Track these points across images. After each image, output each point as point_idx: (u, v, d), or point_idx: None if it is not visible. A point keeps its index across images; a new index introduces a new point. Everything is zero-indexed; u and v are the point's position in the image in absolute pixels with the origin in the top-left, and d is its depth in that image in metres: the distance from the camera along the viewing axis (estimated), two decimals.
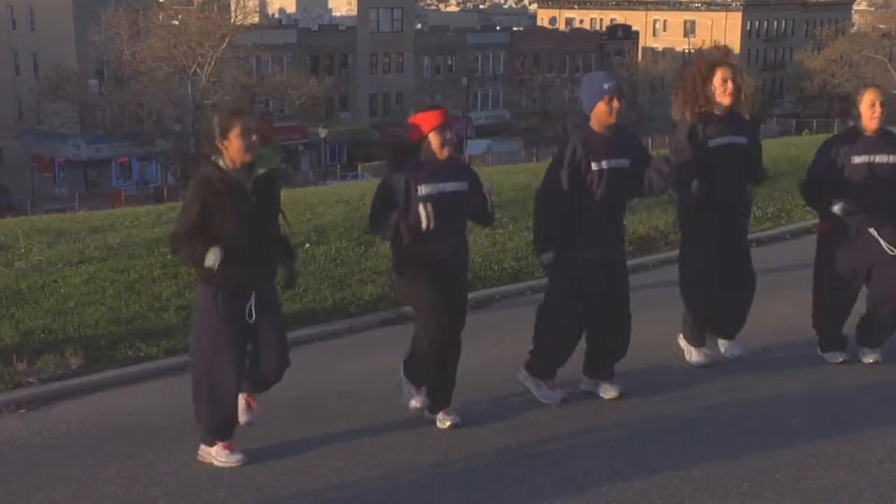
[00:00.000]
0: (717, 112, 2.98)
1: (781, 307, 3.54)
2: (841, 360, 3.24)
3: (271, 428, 2.75)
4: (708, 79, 2.96)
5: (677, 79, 3.13)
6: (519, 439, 2.69)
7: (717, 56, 3.03)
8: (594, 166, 2.73)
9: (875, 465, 2.53)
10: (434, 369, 2.69)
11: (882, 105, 3.05)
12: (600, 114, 2.75)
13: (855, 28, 37.60)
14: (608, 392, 2.93)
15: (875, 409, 2.91)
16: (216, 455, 2.56)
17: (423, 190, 2.57)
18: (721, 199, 3.01)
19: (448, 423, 2.73)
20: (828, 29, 35.20)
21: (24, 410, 2.96)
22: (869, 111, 3.06)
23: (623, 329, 2.88)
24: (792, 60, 37.28)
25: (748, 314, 3.19)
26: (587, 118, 2.78)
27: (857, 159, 3.05)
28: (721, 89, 2.95)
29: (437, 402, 2.75)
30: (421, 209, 2.55)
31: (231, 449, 2.55)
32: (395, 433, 2.73)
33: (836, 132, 3.24)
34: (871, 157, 3.05)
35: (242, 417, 2.60)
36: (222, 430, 2.54)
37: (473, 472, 2.50)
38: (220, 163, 2.42)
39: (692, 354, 3.22)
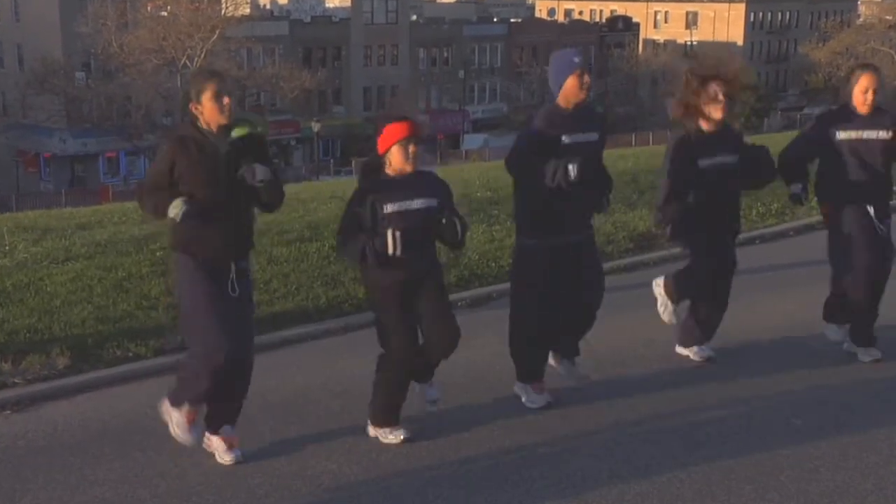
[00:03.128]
0: (707, 127, 2.96)
1: (785, 305, 3.54)
2: (869, 359, 3.18)
3: (263, 429, 2.70)
4: (699, 91, 2.93)
5: (674, 81, 3.11)
6: (516, 440, 2.65)
7: (709, 67, 2.98)
8: (565, 140, 2.68)
9: (881, 466, 2.50)
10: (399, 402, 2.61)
11: (875, 92, 3.02)
12: (570, 89, 2.71)
13: (861, 19, 37.13)
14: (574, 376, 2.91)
15: (880, 410, 2.88)
16: (176, 420, 2.48)
17: (388, 208, 2.49)
18: (711, 222, 2.99)
19: (401, 438, 2.65)
20: (833, 20, 35.03)
21: (9, 412, 2.90)
22: (861, 97, 3.03)
23: (592, 307, 2.84)
24: (796, 53, 36.97)
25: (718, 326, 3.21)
26: (558, 93, 2.73)
27: (845, 135, 3.03)
28: (713, 104, 2.92)
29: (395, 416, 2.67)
30: (389, 235, 2.46)
31: (192, 423, 2.47)
32: None
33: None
34: (860, 133, 3.03)
35: (227, 457, 2.53)
36: (199, 396, 2.45)
37: (470, 473, 2.46)
38: (198, 124, 2.38)
39: (694, 354, 3.22)
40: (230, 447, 2.54)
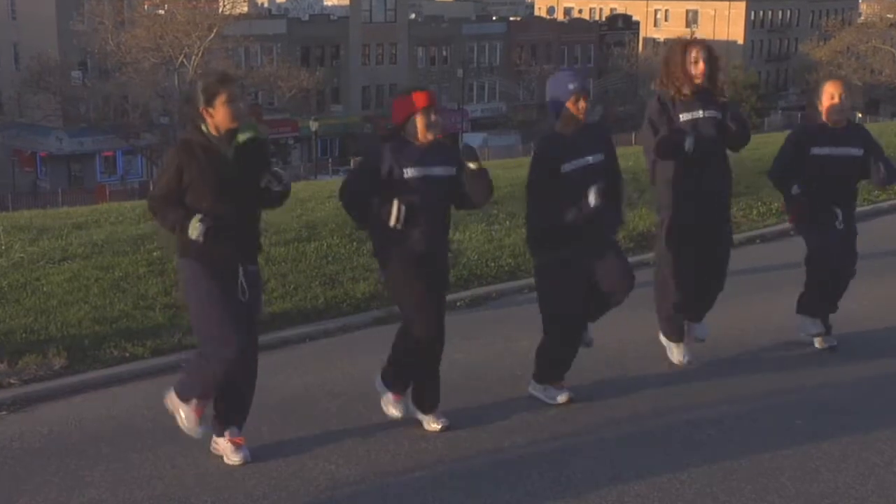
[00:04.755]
0: (687, 91, 2.98)
1: (785, 305, 3.48)
2: (815, 332, 3.27)
3: (261, 430, 2.68)
4: (682, 57, 2.98)
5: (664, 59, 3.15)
6: (516, 441, 2.63)
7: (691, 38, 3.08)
8: (564, 168, 2.71)
9: (882, 467, 2.49)
10: (418, 370, 2.61)
11: (842, 98, 3.05)
12: (567, 116, 2.76)
13: (862, 18, 37.29)
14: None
15: (882, 410, 2.87)
16: (185, 414, 2.47)
17: (409, 172, 2.47)
18: (702, 188, 2.97)
19: (438, 427, 2.66)
20: (834, 19, 35.16)
21: (4, 412, 2.89)
22: (829, 103, 3.07)
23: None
24: (797, 51, 36.99)
25: (715, 300, 3.19)
26: (556, 118, 2.77)
27: (818, 151, 3.07)
28: (693, 68, 2.96)
29: (428, 402, 2.68)
30: (394, 206, 2.44)
31: (199, 417, 2.46)
32: (389, 435, 2.67)
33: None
34: (834, 150, 3.08)
35: (235, 458, 2.51)
36: (208, 391, 2.44)
37: (469, 474, 2.45)
38: (203, 128, 2.36)
39: (673, 352, 3.21)
40: (237, 448, 2.52)
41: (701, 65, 2.93)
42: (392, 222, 2.45)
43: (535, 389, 2.90)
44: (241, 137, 2.38)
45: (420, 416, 2.69)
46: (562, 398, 2.85)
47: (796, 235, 3.37)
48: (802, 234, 3.25)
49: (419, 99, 2.50)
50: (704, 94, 2.97)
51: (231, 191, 2.35)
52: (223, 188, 2.34)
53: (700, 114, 2.96)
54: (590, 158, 2.76)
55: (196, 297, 2.40)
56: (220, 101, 2.33)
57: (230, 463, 2.50)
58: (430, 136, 2.51)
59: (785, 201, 3.28)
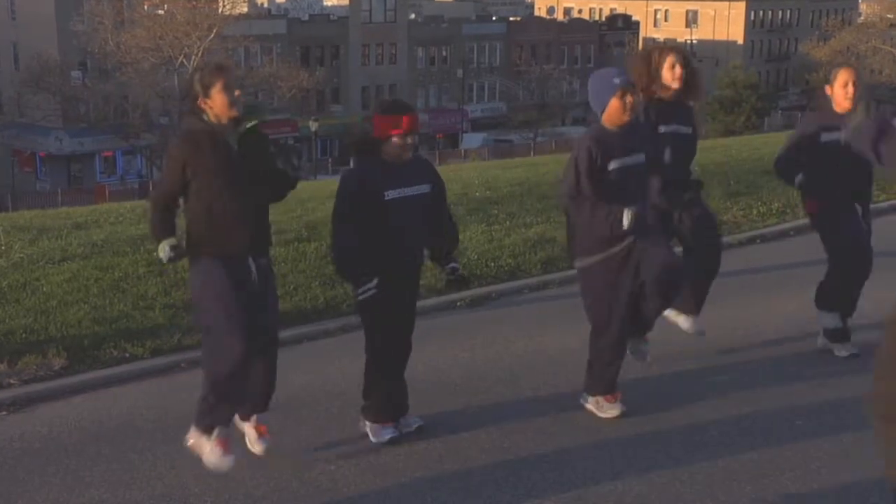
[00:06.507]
0: (665, 97, 3.02)
1: (785, 305, 3.51)
2: (847, 354, 3.23)
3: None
4: (659, 63, 3.01)
5: (632, 58, 3.16)
6: (516, 442, 2.63)
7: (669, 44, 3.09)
8: (612, 165, 2.64)
9: (884, 467, 2.49)
10: (393, 388, 2.59)
11: (855, 85, 3.06)
12: (614, 112, 2.66)
13: (862, 18, 37.44)
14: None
15: None
16: (209, 451, 2.41)
17: (389, 195, 2.48)
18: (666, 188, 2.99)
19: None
20: (834, 19, 35.25)
21: (4, 413, 2.89)
22: (842, 91, 3.07)
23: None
24: (797, 51, 37.14)
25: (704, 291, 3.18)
26: (598, 118, 2.71)
27: (829, 137, 3.06)
28: (670, 74, 2.99)
29: (399, 409, 2.67)
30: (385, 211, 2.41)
31: (225, 448, 2.42)
32: None
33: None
34: (843, 135, 3.07)
35: (257, 447, 2.51)
36: (225, 409, 2.38)
37: (468, 475, 2.45)
38: (205, 117, 2.33)
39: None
40: (260, 435, 2.51)
41: (678, 70, 2.95)
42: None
43: (588, 401, 2.77)
44: (246, 125, 2.34)
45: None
46: (614, 413, 2.74)
47: (812, 231, 3.28)
48: (825, 225, 3.18)
49: (405, 122, 2.49)
50: (679, 105, 3.00)
51: (239, 180, 2.32)
52: (231, 178, 2.31)
53: (675, 128, 2.97)
54: (637, 158, 2.68)
55: (203, 295, 2.35)
56: (217, 89, 2.29)
57: (251, 450, 2.45)
58: (405, 156, 2.52)
59: (803, 194, 3.23)
